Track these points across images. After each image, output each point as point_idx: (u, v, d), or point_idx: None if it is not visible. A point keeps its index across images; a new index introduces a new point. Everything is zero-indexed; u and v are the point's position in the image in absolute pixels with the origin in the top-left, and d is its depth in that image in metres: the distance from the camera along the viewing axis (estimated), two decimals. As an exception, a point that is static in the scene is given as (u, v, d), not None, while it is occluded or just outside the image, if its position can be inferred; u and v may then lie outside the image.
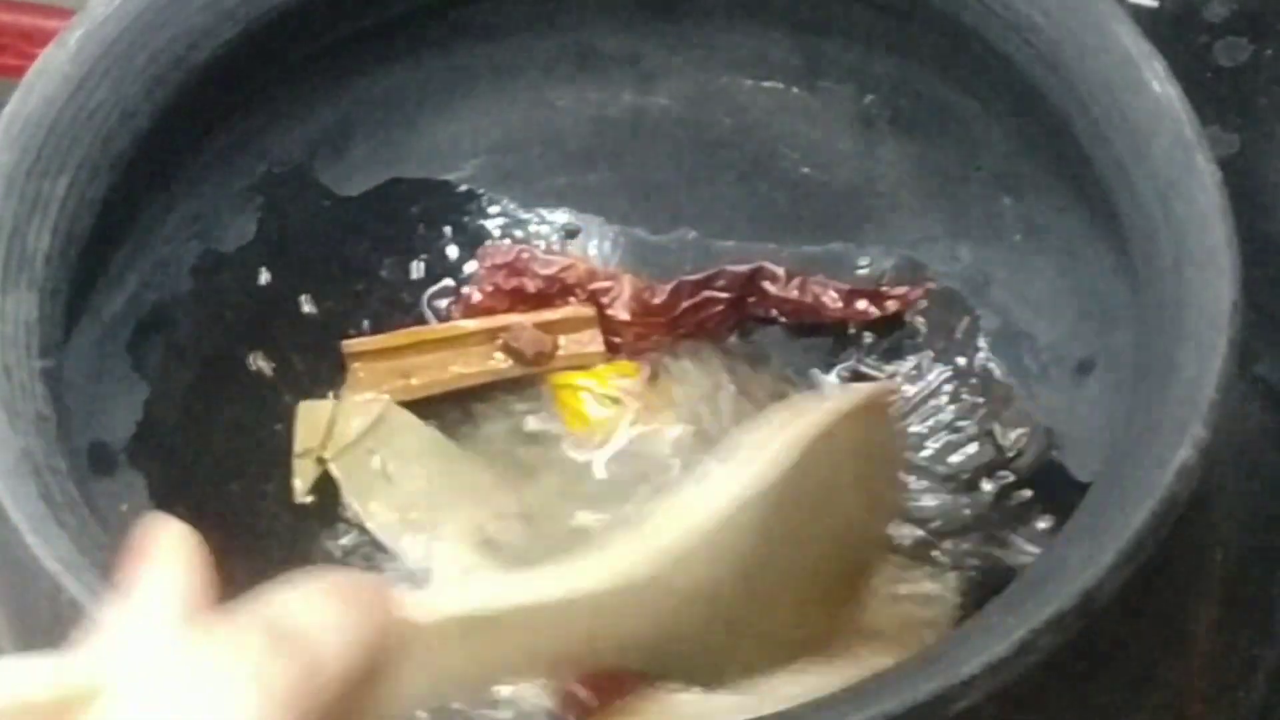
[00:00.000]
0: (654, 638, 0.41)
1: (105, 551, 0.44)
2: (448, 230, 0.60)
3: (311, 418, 0.57)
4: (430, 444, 0.57)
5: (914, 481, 0.56)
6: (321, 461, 0.57)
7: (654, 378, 0.58)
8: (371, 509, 0.56)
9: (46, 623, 0.48)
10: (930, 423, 0.57)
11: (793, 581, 0.44)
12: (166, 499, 0.53)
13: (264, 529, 0.56)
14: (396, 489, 0.56)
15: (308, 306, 0.59)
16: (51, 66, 0.50)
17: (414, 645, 0.35)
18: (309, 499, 0.57)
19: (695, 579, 0.41)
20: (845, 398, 0.46)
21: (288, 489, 0.57)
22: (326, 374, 0.58)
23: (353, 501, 0.56)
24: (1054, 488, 0.54)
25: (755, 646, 0.44)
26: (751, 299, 0.59)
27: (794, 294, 0.58)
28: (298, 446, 0.57)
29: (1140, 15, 0.58)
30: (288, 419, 0.58)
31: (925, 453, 0.56)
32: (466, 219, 0.60)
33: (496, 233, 0.60)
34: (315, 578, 0.34)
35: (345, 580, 0.34)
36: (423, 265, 0.60)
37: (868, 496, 0.47)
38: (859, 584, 0.48)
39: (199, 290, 0.56)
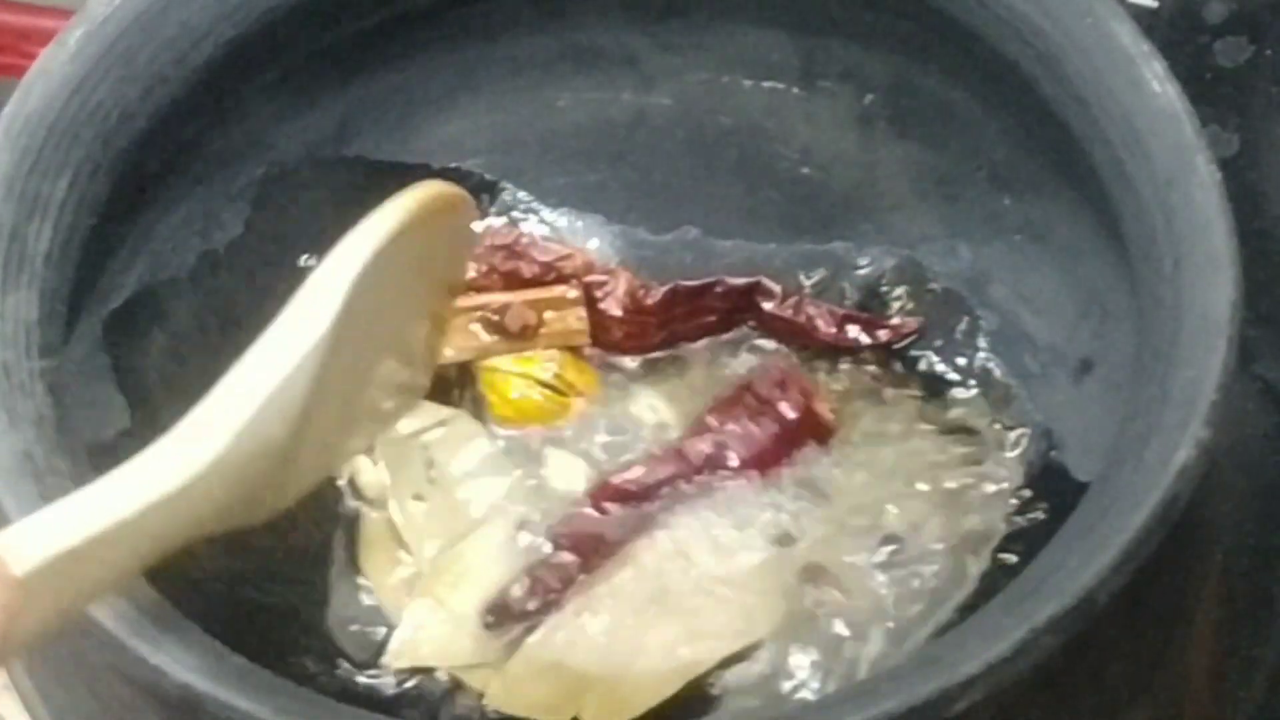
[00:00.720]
0: (235, 500, 0.42)
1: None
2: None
3: None
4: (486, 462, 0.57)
5: (914, 480, 0.56)
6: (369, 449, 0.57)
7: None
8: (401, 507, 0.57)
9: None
10: (930, 423, 0.57)
11: (358, 392, 0.46)
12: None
13: (263, 527, 0.56)
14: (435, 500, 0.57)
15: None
16: (51, 66, 0.50)
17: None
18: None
19: (263, 442, 0.42)
20: (401, 207, 0.46)
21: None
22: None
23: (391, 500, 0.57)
24: (1054, 488, 0.54)
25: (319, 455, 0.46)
26: (745, 314, 0.58)
27: (788, 313, 0.58)
28: None
29: (1140, 15, 0.58)
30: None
31: (925, 453, 0.56)
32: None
33: (493, 229, 0.60)
34: None
35: None
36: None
37: (429, 284, 0.49)
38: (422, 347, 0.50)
39: (199, 290, 0.56)
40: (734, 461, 0.55)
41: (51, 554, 0.38)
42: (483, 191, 0.60)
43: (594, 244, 0.60)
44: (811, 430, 0.56)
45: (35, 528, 0.38)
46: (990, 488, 0.55)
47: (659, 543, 0.54)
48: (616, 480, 0.55)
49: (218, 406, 0.42)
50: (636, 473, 0.55)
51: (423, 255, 0.46)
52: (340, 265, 0.44)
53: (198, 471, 0.41)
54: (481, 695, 0.53)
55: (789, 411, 0.56)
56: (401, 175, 0.59)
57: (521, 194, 0.61)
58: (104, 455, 0.51)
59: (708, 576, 0.54)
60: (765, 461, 0.55)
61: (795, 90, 0.59)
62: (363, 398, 0.47)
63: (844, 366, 0.58)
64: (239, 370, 0.43)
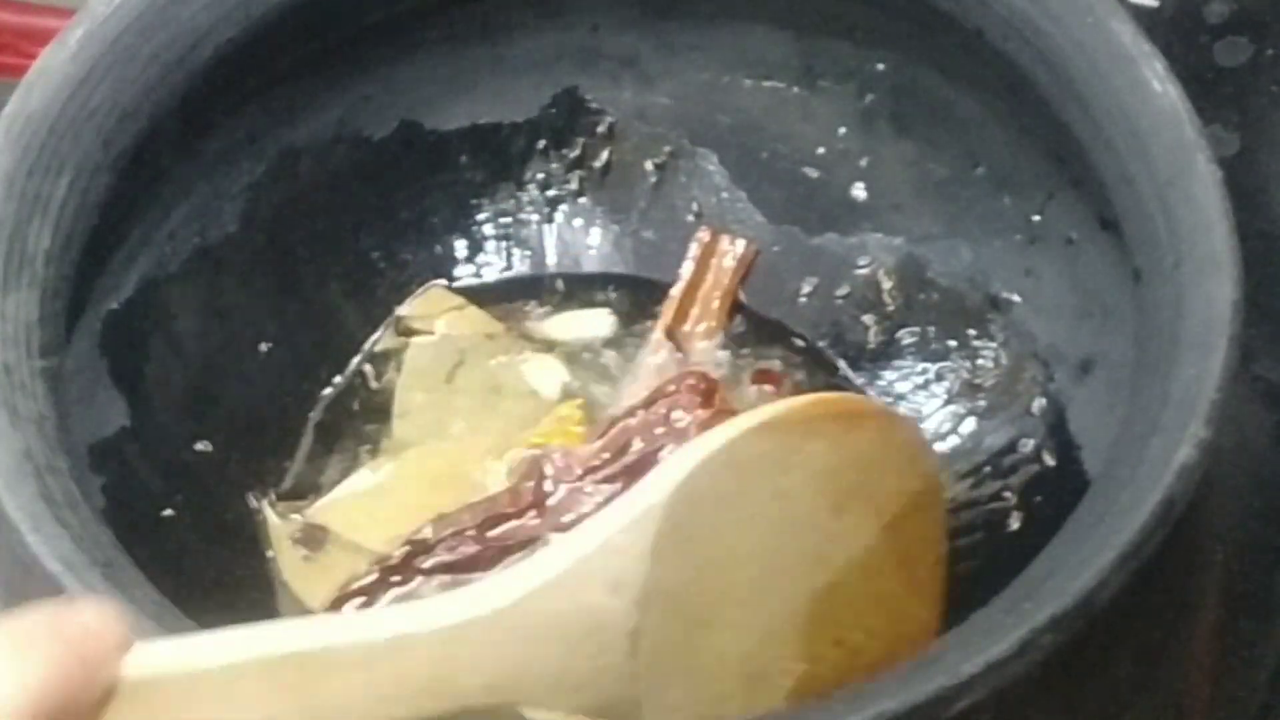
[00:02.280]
0: (541, 680, 0.38)
1: (105, 551, 0.44)
2: (448, 229, 0.60)
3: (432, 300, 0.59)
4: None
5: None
6: (409, 332, 0.58)
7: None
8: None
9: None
10: (930, 423, 0.57)
11: (752, 610, 0.42)
12: (166, 497, 0.53)
13: (263, 525, 0.56)
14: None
15: (308, 305, 0.59)
16: (52, 66, 0.50)
17: (132, 703, 0.32)
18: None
19: (572, 609, 0.38)
20: (766, 409, 0.43)
21: (286, 487, 0.57)
22: (328, 371, 0.58)
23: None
24: (1054, 487, 0.54)
25: (731, 683, 0.42)
26: None
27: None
28: (402, 309, 0.59)
29: (1141, 15, 0.58)
30: (288, 415, 0.58)
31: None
32: (467, 217, 0.60)
33: (495, 232, 0.60)
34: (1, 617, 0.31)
35: (33, 621, 0.32)
36: (424, 264, 0.60)
37: (863, 519, 0.44)
38: (898, 617, 0.46)
39: (199, 290, 0.56)
40: None
41: (170, 671, 0.34)
42: (483, 191, 0.61)
43: (594, 244, 0.61)
44: None
45: (179, 644, 0.35)
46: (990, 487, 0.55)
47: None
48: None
49: (514, 571, 0.38)
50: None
51: (820, 473, 0.42)
52: (692, 446, 0.41)
53: (411, 629, 0.36)
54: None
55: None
56: (402, 175, 0.60)
57: (522, 194, 0.61)
58: (104, 455, 0.51)
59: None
60: None
61: (795, 90, 0.59)
62: (771, 628, 0.43)
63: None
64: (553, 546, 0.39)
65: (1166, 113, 0.48)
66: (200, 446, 0.55)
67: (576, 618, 0.38)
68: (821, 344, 0.59)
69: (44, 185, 0.49)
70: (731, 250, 0.59)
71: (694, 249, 0.59)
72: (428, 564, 0.52)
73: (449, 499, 0.54)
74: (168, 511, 0.53)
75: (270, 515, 0.55)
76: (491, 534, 0.52)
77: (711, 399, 0.54)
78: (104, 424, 0.52)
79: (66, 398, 0.48)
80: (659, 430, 0.53)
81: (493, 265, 0.60)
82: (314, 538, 0.55)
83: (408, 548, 0.52)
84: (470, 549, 0.52)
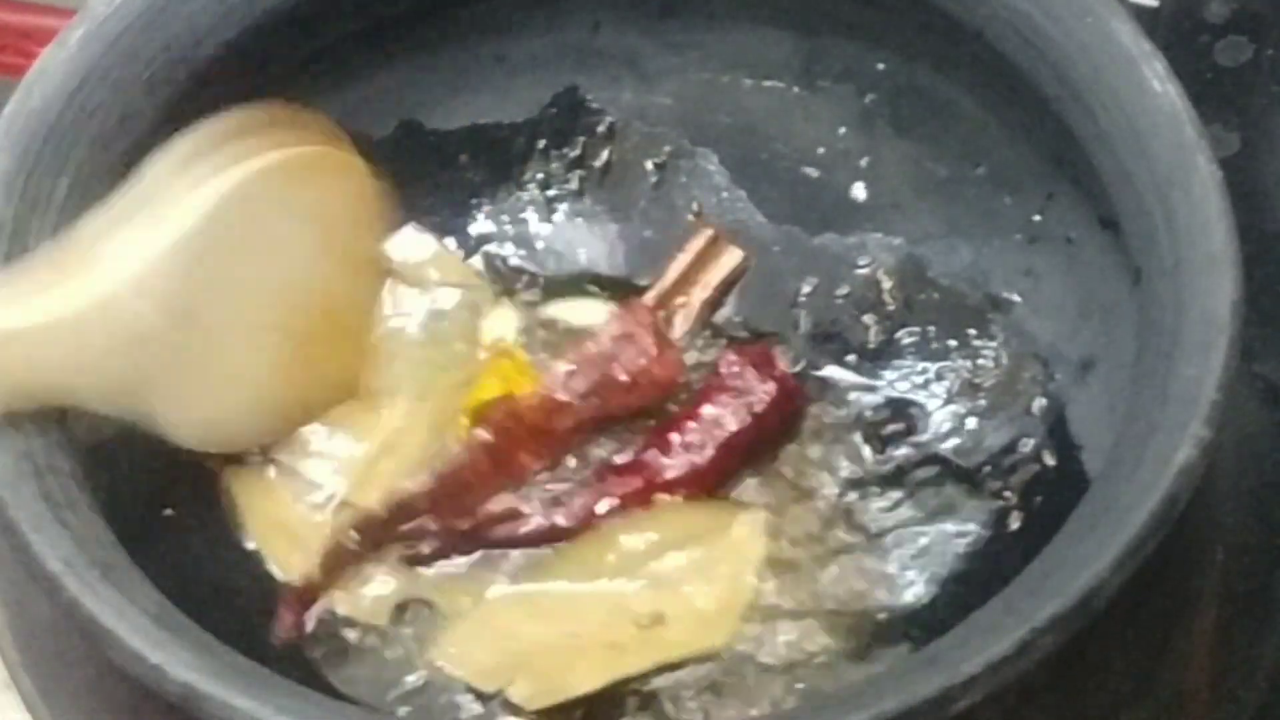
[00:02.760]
0: (91, 378, 0.44)
1: (105, 551, 0.44)
2: (448, 229, 0.60)
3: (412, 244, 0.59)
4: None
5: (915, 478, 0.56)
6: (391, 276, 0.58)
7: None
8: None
9: (46, 623, 0.48)
10: (930, 422, 0.57)
11: (243, 325, 0.48)
12: (167, 494, 0.53)
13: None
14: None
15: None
16: (52, 66, 0.50)
17: None
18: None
19: (125, 320, 0.44)
20: (273, 154, 0.48)
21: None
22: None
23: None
24: (1055, 487, 0.54)
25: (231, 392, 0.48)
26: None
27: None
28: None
29: (1141, 15, 0.58)
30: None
31: (926, 451, 0.56)
32: (467, 217, 0.60)
33: (493, 229, 0.60)
34: None
35: None
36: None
37: (337, 264, 0.50)
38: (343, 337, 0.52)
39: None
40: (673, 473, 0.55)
41: None
42: (483, 191, 0.60)
43: (594, 243, 0.60)
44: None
45: None
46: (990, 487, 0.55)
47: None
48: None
49: (79, 283, 0.44)
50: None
51: (307, 216, 0.48)
52: (215, 181, 0.46)
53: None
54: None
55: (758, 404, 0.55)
56: (402, 175, 0.59)
57: (522, 194, 0.61)
58: (104, 455, 0.51)
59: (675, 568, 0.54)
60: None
61: (796, 89, 0.59)
62: (262, 350, 0.48)
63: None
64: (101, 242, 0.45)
65: (1167, 112, 0.48)
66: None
67: (128, 324, 0.45)
68: (821, 344, 0.59)
69: (44, 185, 0.49)
70: (725, 256, 0.59)
71: (693, 244, 0.59)
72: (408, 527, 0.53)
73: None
74: (168, 511, 0.53)
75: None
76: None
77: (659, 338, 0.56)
78: (104, 424, 0.52)
79: (66, 398, 0.48)
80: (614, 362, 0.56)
81: (493, 265, 0.60)
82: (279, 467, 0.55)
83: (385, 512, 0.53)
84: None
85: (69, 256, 0.45)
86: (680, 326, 0.58)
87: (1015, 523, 0.54)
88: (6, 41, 0.72)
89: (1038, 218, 0.56)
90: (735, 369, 0.56)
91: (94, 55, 0.51)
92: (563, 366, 0.55)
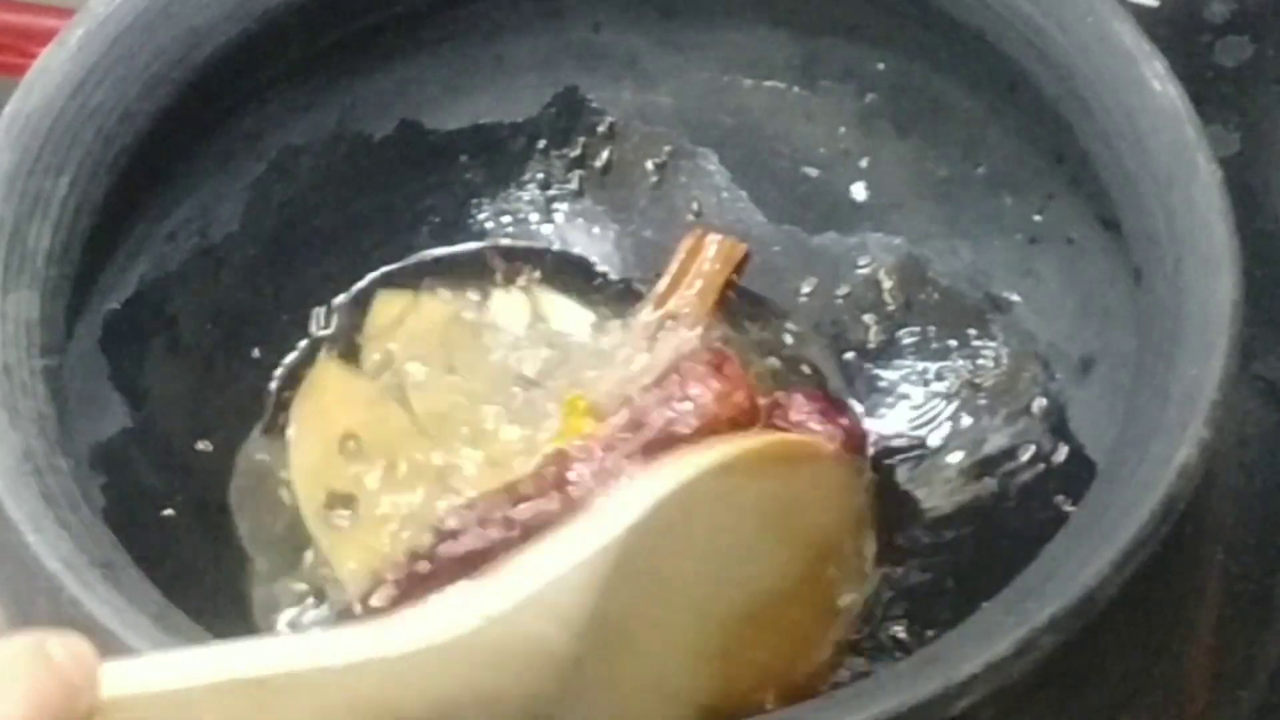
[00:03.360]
0: (479, 703, 0.39)
1: (105, 551, 0.44)
2: (448, 229, 0.60)
3: (389, 303, 0.58)
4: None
5: (915, 478, 0.56)
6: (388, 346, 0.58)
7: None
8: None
9: (46, 623, 0.48)
10: (930, 422, 0.57)
11: (671, 630, 0.43)
12: (166, 497, 0.53)
13: (265, 524, 0.56)
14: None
15: (310, 305, 0.59)
16: (52, 66, 0.50)
17: None
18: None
19: (520, 640, 0.39)
20: (723, 449, 0.44)
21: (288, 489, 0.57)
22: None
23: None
24: (1055, 486, 0.54)
25: (647, 702, 0.43)
26: None
27: None
28: (368, 328, 0.58)
29: (1141, 15, 0.58)
30: (287, 411, 0.58)
31: (926, 451, 0.56)
32: (467, 217, 0.60)
33: (492, 225, 0.60)
34: None
35: (14, 649, 0.33)
36: (425, 263, 0.60)
37: (793, 552, 0.46)
38: (800, 641, 0.47)
39: (200, 289, 0.56)
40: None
41: (146, 690, 0.35)
42: (483, 191, 0.61)
43: (595, 243, 0.61)
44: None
45: (151, 663, 0.36)
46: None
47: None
48: None
49: (459, 593, 0.39)
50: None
51: (764, 511, 0.44)
52: (648, 483, 0.42)
53: (371, 654, 0.38)
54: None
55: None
56: (402, 175, 0.60)
57: (522, 194, 0.61)
58: (104, 455, 0.51)
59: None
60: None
61: (796, 89, 0.59)
62: (702, 651, 0.44)
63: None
64: (509, 567, 0.40)
65: (1167, 112, 0.48)
66: (200, 446, 0.55)
67: (524, 648, 0.39)
68: (821, 343, 0.59)
69: (44, 185, 0.49)
70: (716, 248, 0.59)
71: (680, 249, 0.59)
72: (458, 551, 0.52)
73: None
74: (168, 511, 0.53)
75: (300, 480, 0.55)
76: (516, 518, 0.52)
77: (723, 370, 0.54)
78: (104, 424, 0.52)
79: (67, 398, 0.48)
80: (675, 405, 0.54)
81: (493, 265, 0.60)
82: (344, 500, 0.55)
83: (433, 535, 0.52)
84: (496, 535, 0.52)
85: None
86: (682, 329, 0.58)
87: (1015, 523, 0.54)
88: (6, 41, 0.72)
89: (1038, 218, 0.56)
90: (804, 415, 0.53)
91: (94, 55, 0.51)
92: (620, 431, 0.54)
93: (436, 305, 0.59)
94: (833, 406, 0.55)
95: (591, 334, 0.58)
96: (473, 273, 0.59)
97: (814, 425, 0.53)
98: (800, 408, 0.54)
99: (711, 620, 0.44)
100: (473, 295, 0.59)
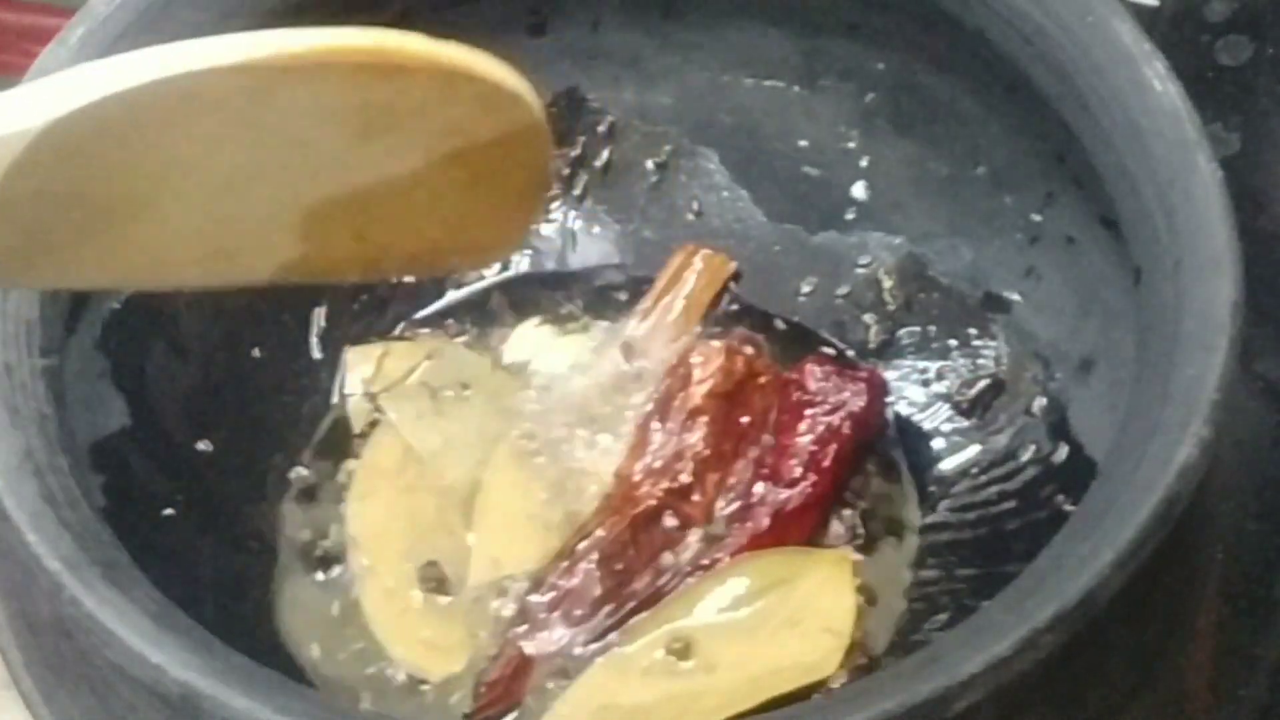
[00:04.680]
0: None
1: (105, 551, 0.44)
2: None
3: (361, 359, 0.58)
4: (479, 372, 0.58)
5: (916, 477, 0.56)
6: (373, 398, 0.58)
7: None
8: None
9: (47, 622, 0.48)
10: (931, 422, 0.57)
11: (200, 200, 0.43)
12: (166, 497, 0.53)
13: (265, 525, 0.56)
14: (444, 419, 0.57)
15: (310, 304, 0.59)
16: (53, 65, 0.50)
17: None
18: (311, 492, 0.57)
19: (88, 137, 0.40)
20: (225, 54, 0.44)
21: (288, 487, 0.57)
22: (330, 372, 0.58)
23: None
24: (1055, 488, 0.54)
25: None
26: None
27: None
28: (348, 388, 0.58)
29: (1141, 14, 0.58)
30: (289, 418, 0.58)
31: (926, 451, 0.56)
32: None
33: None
34: None
35: None
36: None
37: (403, 151, 0.45)
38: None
39: (199, 289, 0.56)
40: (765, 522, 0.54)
41: None
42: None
43: (595, 243, 0.61)
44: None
45: None
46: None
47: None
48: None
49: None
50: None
51: (339, 108, 0.43)
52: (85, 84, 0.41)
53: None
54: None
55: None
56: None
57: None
58: (105, 454, 0.51)
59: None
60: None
61: (796, 89, 0.59)
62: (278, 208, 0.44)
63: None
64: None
65: (1167, 112, 0.48)
66: (201, 446, 0.55)
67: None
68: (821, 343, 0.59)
69: (44, 185, 0.49)
70: (704, 264, 0.59)
71: (668, 265, 0.59)
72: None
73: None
74: (168, 511, 0.53)
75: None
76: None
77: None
78: (104, 424, 0.52)
79: (67, 397, 0.48)
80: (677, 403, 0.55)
81: (492, 265, 0.60)
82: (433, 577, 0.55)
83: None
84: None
85: None
86: (664, 344, 0.58)
87: (1015, 523, 0.54)
88: (7, 41, 0.72)
89: (1038, 218, 0.56)
90: (823, 380, 0.55)
91: (94, 55, 0.51)
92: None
93: (407, 350, 0.59)
94: (844, 364, 0.56)
95: (571, 363, 0.59)
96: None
97: (835, 388, 0.55)
98: (814, 376, 0.55)
99: (264, 195, 0.44)
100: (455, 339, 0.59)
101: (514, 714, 0.52)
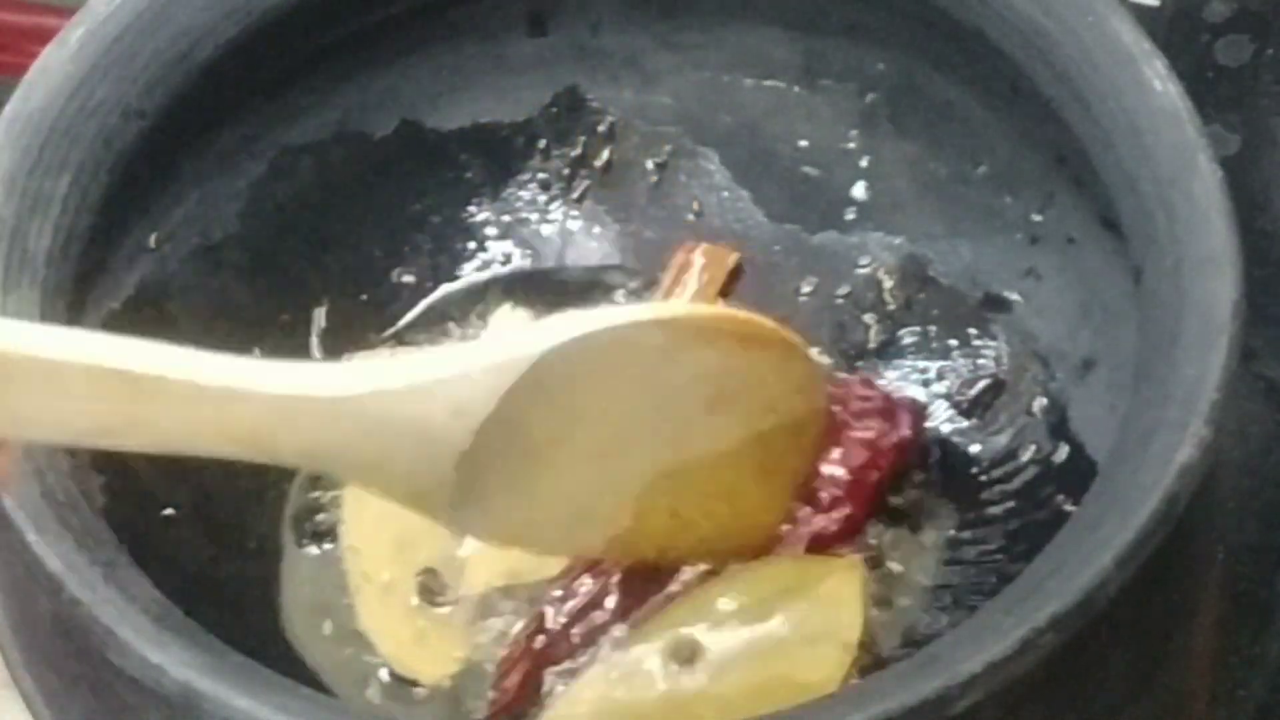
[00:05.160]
0: (360, 463, 0.42)
1: (105, 551, 0.44)
2: (448, 228, 0.60)
3: None
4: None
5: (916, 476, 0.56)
6: None
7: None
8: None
9: (47, 622, 0.48)
10: (931, 423, 0.57)
11: (593, 467, 0.46)
12: (166, 497, 0.53)
13: (265, 525, 0.56)
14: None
15: (310, 304, 0.59)
16: (53, 65, 0.50)
17: None
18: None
19: (408, 418, 0.42)
20: (663, 309, 0.47)
21: (289, 487, 0.57)
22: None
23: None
24: (1055, 488, 0.54)
25: (527, 508, 0.46)
26: None
27: None
28: None
29: (1141, 14, 0.58)
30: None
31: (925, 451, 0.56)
32: (467, 217, 0.60)
33: (495, 232, 0.60)
34: None
35: None
36: (426, 264, 0.60)
37: (733, 426, 0.48)
38: (737, 513, 0.50)
39: (201, 289, 0.56)
40: None
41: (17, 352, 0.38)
42: (484, 190, 0.60)
43: (595, 243, 0.61)
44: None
45: (29, 330, 0.39)
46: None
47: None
48: None
49: (369, 369, 0.42)
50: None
51: (703, 377, 0.45)
52: (577, 319, 0.44)
53: (245, 385, 0.40)
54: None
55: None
56: (402, 175, 0.60)
57: (522, 193, 0.61)
58: (105, 454, 0.51)
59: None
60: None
61: (796, 89, 0.59)
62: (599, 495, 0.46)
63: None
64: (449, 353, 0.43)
65: (1167, 112, 0.48)
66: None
67: (410, 426, 0.42)
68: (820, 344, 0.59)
69: (45, 184, 0.49)
70: (704, 257, 0.59)
71: (670, 266, 0.59)
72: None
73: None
74: (168, 511, 0.53)
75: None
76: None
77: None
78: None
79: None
80: None
81: (492, 265, 0.60)
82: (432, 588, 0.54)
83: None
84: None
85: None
86: None
87: (1015, 522, 0.54)
88: (7, 41, 0.72)
89: (1038, 218, 0.56)
90: (867, 404, 0.54)
91: (94, 55, 0.51)
92: None
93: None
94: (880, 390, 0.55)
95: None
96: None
97: (883, 413, 0.54)
98: (861, 398, 0.54)
99: (632, 462, 0.46)
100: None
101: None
